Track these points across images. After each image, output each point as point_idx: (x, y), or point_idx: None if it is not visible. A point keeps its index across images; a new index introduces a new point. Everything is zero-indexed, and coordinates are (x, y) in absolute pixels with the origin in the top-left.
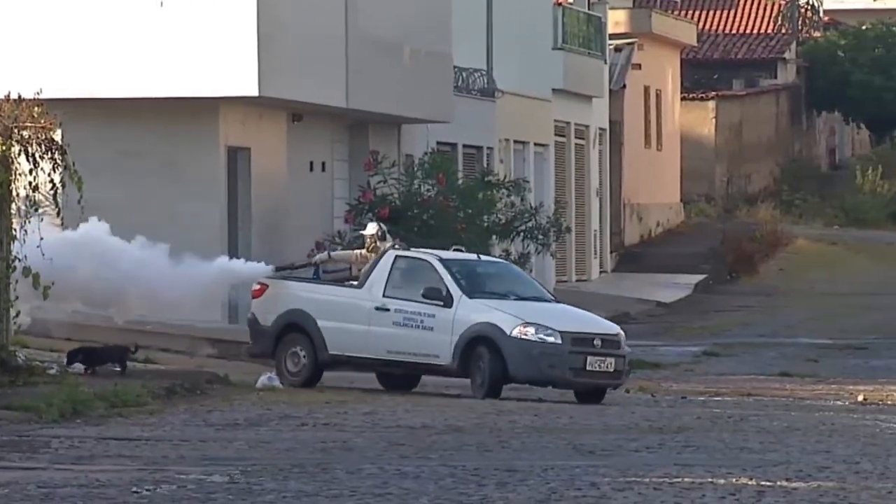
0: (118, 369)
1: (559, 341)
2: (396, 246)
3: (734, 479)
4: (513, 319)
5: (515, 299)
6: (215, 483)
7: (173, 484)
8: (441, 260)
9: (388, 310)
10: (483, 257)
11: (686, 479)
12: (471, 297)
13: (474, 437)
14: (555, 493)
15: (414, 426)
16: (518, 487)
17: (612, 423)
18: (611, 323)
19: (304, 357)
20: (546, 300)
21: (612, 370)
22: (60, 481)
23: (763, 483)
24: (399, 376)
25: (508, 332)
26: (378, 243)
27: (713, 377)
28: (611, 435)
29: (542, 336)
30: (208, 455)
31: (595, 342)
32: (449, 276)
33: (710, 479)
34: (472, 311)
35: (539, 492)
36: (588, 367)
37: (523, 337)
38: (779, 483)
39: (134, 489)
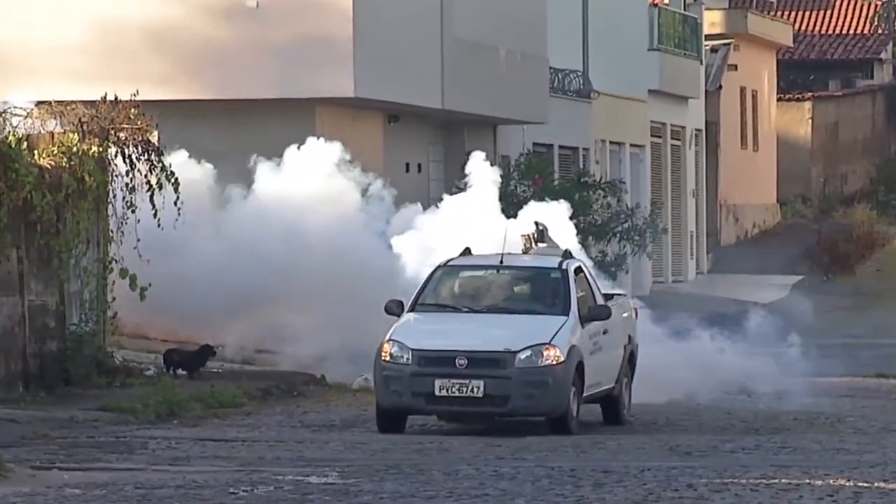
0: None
1: (408, 361)
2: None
3: (831, 481)
4: (387, 336)
5: (471, 311)
6: (312, 484)
7: (270, 485)
8: (440, 266)
9: None
10: (510, 260)
11: (783, 481)
12: (412, 311)
13: (570, 437)
14: (651, 494)
15: (510, 427)
16: (615, 488)
17: (708, 424)
18: (543, 333)
19: None
20: (537, 313)
21: (479, 395)
22: (157, 482)
23: (860, 484)
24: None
25: (379, 353)
26: (535, 245)
27: (809, 378)
28: (706, 436)
29: (394, 356)
30: (304, 456)
31: (458, 362)
32: (422, 286)
33: (806, 481)
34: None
35: (635, 493)
36: (438, 393)
37: (382, 358)
38: (876, 484)
39: (231, 490)
